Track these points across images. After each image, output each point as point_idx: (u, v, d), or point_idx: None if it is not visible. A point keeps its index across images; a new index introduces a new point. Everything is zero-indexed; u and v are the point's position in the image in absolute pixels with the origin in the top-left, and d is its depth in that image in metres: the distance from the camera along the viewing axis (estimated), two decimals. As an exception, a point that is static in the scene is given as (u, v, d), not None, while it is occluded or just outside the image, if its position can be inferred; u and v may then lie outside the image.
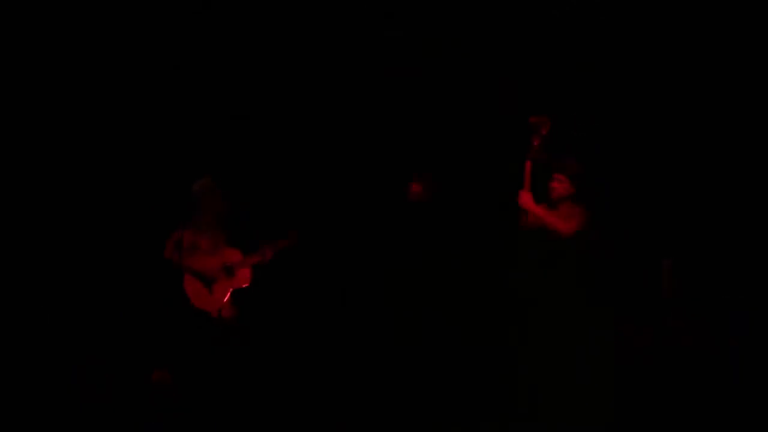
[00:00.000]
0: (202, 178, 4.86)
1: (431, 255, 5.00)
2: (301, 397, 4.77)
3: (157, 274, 4.96)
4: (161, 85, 5.72)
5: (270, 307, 5.25)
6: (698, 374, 4.76)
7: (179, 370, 4.73)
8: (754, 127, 5.27)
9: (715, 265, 5.24)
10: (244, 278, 4.83)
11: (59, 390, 4.73)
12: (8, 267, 5.40)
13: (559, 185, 4.39)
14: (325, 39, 5.80)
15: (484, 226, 5.24)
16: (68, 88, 5.65)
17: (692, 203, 5.38)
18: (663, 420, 4.46)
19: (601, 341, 4.39)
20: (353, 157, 5.80)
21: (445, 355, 4.91)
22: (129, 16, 5.65)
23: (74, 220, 5.58)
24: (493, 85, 5.64)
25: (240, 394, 4.69)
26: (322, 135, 5.83)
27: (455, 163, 5.60)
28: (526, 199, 4.31)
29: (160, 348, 4.87)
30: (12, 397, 4.60)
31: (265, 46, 5.82)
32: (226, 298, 4.82)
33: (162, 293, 4.94)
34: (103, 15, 5.62)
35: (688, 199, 5.39)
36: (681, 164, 5.41)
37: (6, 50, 5.51)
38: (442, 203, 5.19)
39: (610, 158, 5.34)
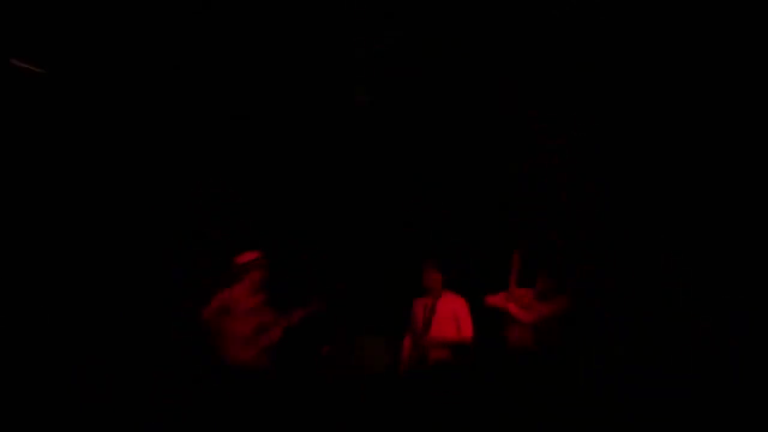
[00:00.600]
0: (251, 252, 5.38)
1: None
2: None
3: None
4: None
5: (296, 360, 5.76)
6: (697, 374, 4.76)
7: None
8: (754, 128, 5.27)
9: (714, 264, 5.24)
10: (275, 336, 5.37)
11: (59, 390, 4.74)
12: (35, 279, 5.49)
13: (543, 283, 4.87)
14: (325, 39, 5.82)
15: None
16: (69, 90, 5.67)
17: (692, 203, 5.38)
18: (662, 420, 4.47)
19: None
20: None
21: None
22: (131, 16, 5.66)
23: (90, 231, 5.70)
24: (493, 85, 5.65)
25: None
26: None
27: (455, 164, 5.62)
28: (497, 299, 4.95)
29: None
30: (12, 397, 4.62)
31: (266, 48, 5.83)
32: (257, 352, 5.27)
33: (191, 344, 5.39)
34: (104, 15, 5.63)
35: (687, 199, 5.39)
36: (680, 164, 5.41)
37: (6, 51, 5.52)
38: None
39: (609, 159, 5.34)
